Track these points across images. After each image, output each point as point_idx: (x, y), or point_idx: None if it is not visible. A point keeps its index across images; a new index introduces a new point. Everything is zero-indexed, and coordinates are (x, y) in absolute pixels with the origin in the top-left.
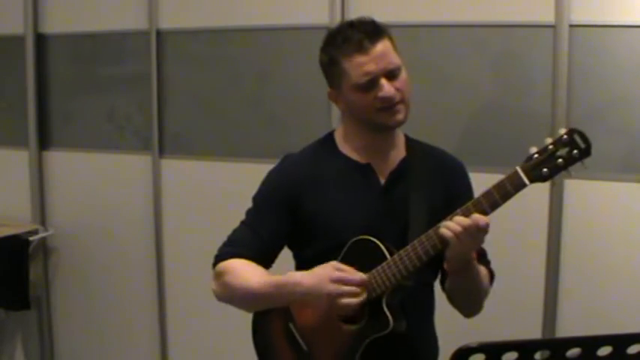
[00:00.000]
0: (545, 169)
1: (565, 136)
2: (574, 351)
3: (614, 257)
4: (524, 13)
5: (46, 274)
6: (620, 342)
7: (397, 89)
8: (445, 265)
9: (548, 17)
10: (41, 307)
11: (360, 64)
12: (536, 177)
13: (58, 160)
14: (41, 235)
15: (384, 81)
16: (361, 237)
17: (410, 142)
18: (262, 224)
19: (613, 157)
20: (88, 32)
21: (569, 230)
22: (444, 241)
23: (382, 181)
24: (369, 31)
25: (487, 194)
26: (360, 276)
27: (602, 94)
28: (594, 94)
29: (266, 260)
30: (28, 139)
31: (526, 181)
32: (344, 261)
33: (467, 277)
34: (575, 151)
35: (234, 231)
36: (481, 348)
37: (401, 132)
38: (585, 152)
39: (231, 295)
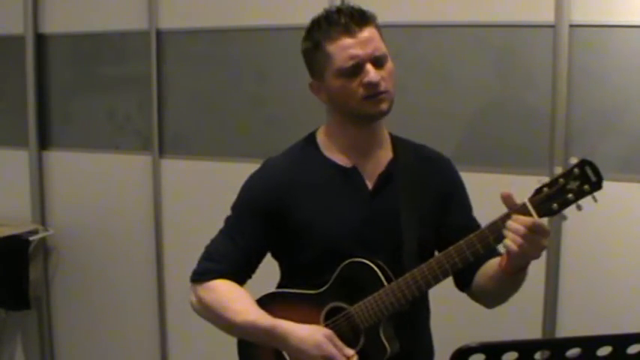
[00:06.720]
0: (554, 204)
1: (576, 169)
2: (574, 351)
3: (614, 257)
4: (524, 13)
5: (46, 274)
6: (620, 342)
7: (382, 78)
8: (503, 266)
9: (548, 17)
10: (41, 307)
11: (346, 47)
12: (545, 212)
13: (58, 160)
14: (41, 235)
15: (369, 66)
16: (354, 259)
17: (395, 141)
18: (242, 234)
19: (613, 157)
20: (88, 32)
21: (569, 230)
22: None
23: (370, 185)
24: (356, 15)
25: (492, 225)
26: (348, 355)
27: (602, 94)
28: (594, 94)
29: (248, 272)
30: (28, 139)
31: (535, 215)
32: (336, 285)
33: (522, 275)
34: (586, 186)
35: (213, 242)
36: (481, 348)
37: (386, 130)
38: (596, 185)
39: (211, 319)
